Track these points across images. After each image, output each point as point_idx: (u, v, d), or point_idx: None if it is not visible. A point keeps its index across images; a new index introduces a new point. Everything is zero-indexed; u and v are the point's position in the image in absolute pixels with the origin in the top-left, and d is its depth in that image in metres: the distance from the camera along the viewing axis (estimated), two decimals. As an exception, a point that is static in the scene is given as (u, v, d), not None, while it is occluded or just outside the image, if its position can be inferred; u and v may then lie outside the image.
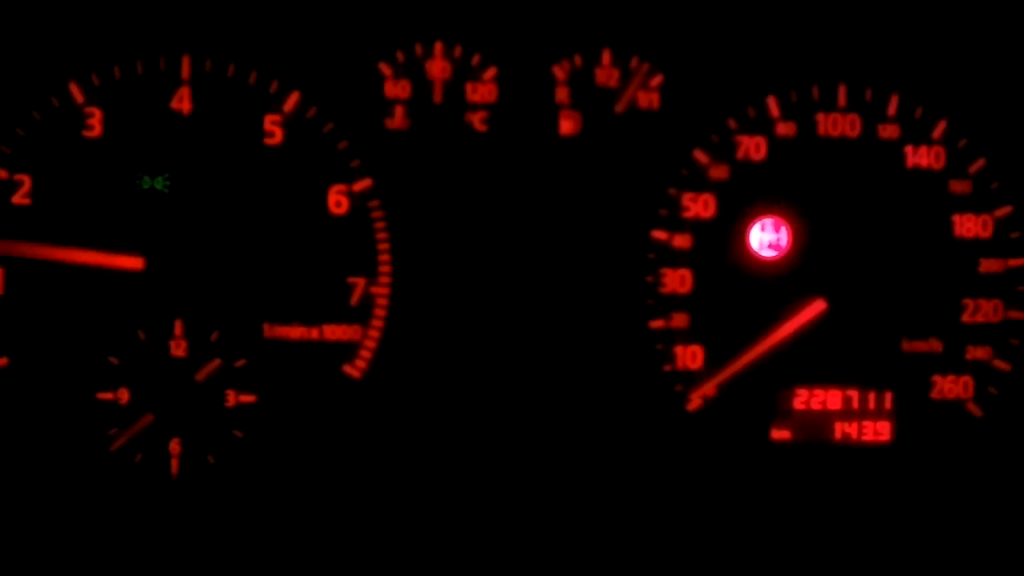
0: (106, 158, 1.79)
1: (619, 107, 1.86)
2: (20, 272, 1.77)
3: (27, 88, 1.78)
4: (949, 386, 1.87)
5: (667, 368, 1.85)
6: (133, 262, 1.77)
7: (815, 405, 1.85)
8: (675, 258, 1.86)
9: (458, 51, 1.84)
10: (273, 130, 1.81)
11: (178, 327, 1.79)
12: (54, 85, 1.78)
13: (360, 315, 1.82)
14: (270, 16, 1.81)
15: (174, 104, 1.80)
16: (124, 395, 1.78)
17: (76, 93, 1.78)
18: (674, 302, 1.85)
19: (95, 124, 1.79)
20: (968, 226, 1.87)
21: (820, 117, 1.87)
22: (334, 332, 1.81)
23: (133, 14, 1.79)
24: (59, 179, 1.78)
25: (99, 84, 1.78)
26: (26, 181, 1.78)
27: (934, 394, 1.86)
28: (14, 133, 1.77)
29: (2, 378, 1.76)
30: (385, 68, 1.83)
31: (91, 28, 1.79)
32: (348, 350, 1.82)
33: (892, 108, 1.88)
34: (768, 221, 1.87)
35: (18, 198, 1.78)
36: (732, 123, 1.87)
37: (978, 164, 1.88)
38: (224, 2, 1.81)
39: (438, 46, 1.84)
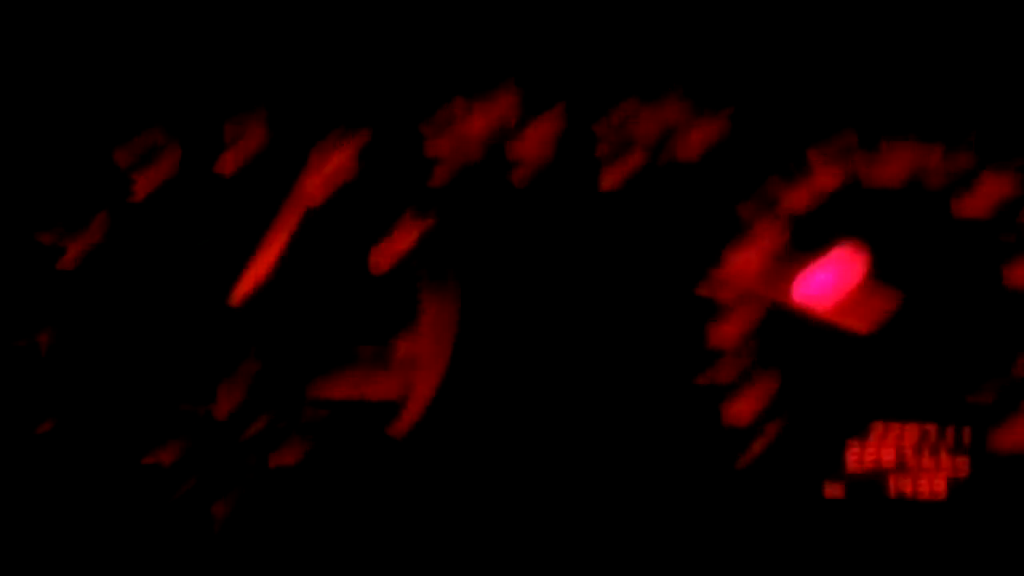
0: (148, 221, 1.80)
1: (660, 159, 1.84)
2: (64, 334, 1.78)
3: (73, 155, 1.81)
4: (1010, 438, 1.81)
5: (718, 423, 1.82)
6: None
7: (868, 461, 1.81)
8: (722, 311, 1.83)
9: (499, 105, 1.84)
10: (315, 192, 1.81)
11: (222, 390, 1.79)
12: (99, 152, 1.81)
13: (403, 374, 1.81)
14: (306, 78, 1.83)
15: (217, 169, 1.81)
16: (167, 458, 1.78)
17: (121, 158, 1.80)
18: (721, 356, 1.82)
19: (140, 188, 1.80)
20: (1020, 275, 1.83)
21: (863, 163, 1.84)
22: (377, 391, 1.80)
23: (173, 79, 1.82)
24: (105, 242, 1.80)
25: (142, 148, 1.80)
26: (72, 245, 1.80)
27: (993, 446, 1.81)
28: (59, 198, 1.80)
29: (46, 441, 1.77)
30: (425, 126, 1.83)
31: (137, 94, 1.82)
32: (392, 409, 1.80)
33: (938, 153, 1.84)
34: (819, 268, 1.83)
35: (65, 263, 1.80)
36: (777, 175, 1.84)
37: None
38: (263, 63, 1.83)
39: (478, 101, 1.84)
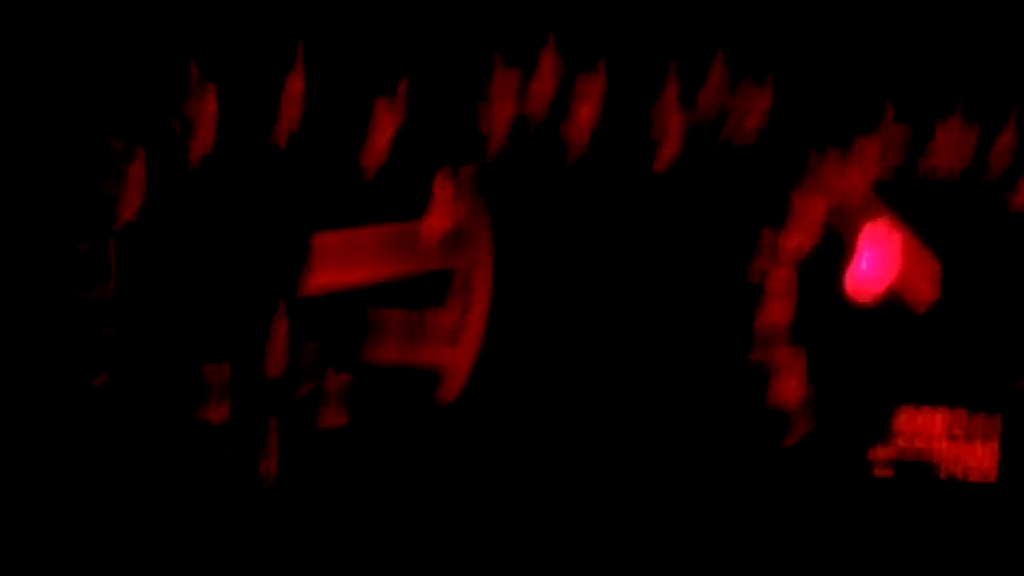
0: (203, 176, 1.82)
1: (718, 139, 1.85)
2: (124, 289, 1.80)
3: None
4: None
5: (766, 403, 1.81)
6: None
7: (919, 439, 1.80)
8: (775, 291, 1.83)
9: (547, 84, 1.84)
10: (369, 161, 1.82)
11: (276, 345, 1.80)
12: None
13: (454, 339, 1.81)
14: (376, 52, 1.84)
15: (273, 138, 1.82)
16: (215, 416, 1.79)
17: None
18: (769, 336, 1.82)
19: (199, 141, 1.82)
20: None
21: (922, 152, 1.84)
22: (429, 355, 1.81)
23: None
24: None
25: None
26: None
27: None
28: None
29: (101, 394, 1.78)
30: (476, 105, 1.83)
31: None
32: (442, 374, 1.81)
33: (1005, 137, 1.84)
34: (872, 251, 1.84)
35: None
36: (834, 154, 1.85)
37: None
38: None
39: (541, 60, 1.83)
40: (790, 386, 1.82)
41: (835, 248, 1.84)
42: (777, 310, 1.83)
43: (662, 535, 1.80)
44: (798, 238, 1.84)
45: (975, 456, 1.81)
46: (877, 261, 1.83)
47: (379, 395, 1.80)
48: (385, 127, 1.81)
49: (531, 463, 1.82)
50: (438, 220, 1.81)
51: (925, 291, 1.82)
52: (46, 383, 1.76)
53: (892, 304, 1.83)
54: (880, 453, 1.81)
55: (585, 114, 1.84)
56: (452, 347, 1.82)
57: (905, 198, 1.84)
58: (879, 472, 1.81)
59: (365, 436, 1.80)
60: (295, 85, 1.80)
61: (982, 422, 1.81)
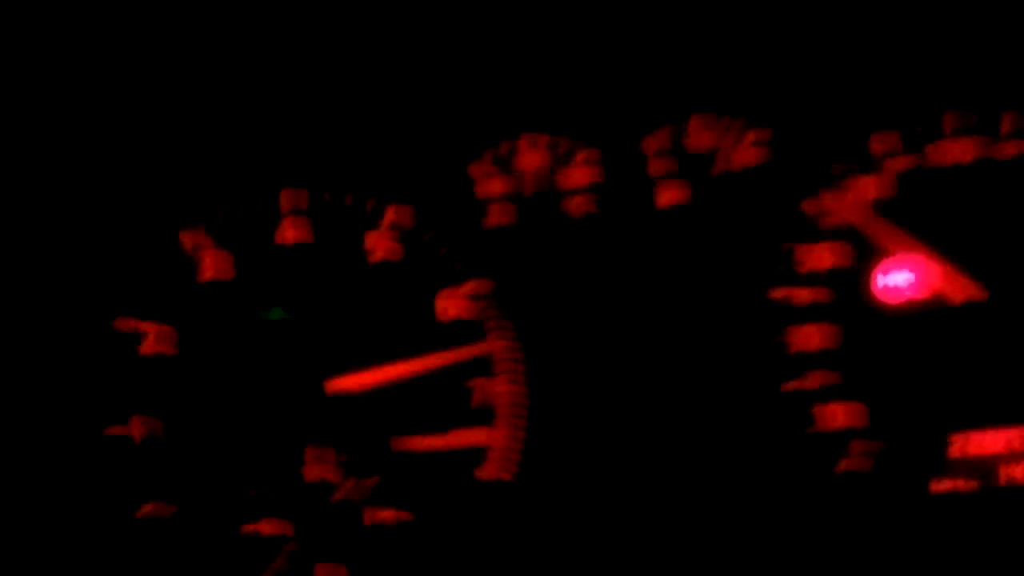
0: (222, 298, 1.85)
1: (715, 170, 1.81)
2: (174, 423, 1.84)
3: (140, 242, 1.87)
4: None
5: (809, 430, 1.75)
6: None
7: (975, 451, 1.70)
8: (799, 314, 1.77)
9: (544, 141, 1.84)
10: (375, 247, 1.84)
11: (309, 452, 1.81)
12: (164, 235, 1.87)
13: (483, 417, 1.80)
14: (354, 137, 1.86)
15: (278, 238, 1.85)
16: (266, 526, 1.81)
17: (186, 240, 1.86)
18: (806, 361, 1.76)
19: (208, 268, 1.86)
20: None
21: (930, 148, 1.76)
22: (460, 438, 1.80)
23: (227, 161, 1.87)
24: (181, 324, 1.86)
25: (207, 229, 1.86)
26: (154, 331, 1.86)
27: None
28: (135, 286, 1.86)
29: (170, 524, 1.82)
30: (475, 169, 1.84)
31: (194, 178, 1.88)
32: (477, 454, 1.80)
33: (1007, 126, 1.76)
34: (892, 263, 1.76)
35: (168, 347, 1.86)
36: (837, 168, 1.78)
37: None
38: (309, 131, 1.87)
39: (524, 140, 1.84)
40: (836, 410, 1.75)
41: (855, 264, 1.77)
42: (805, 335, 1.76)
43: (721, 551, 1.75)
44: (814, 259, 1.77)
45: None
46: (911, 267, 1.76)
47: (425, 481, 1.80)
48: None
49: (587, 520, 1.79)
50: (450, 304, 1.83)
51: (960, 291, 1.74)
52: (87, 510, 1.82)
53: (930, 316, 1.75)
54: (938, 468, 1.72)
55: (582, 165, 1.83)
56: (490, 426, 1.81)
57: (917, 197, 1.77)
58: (937, 487, 1.72)
59: (416, 524, 1.80)
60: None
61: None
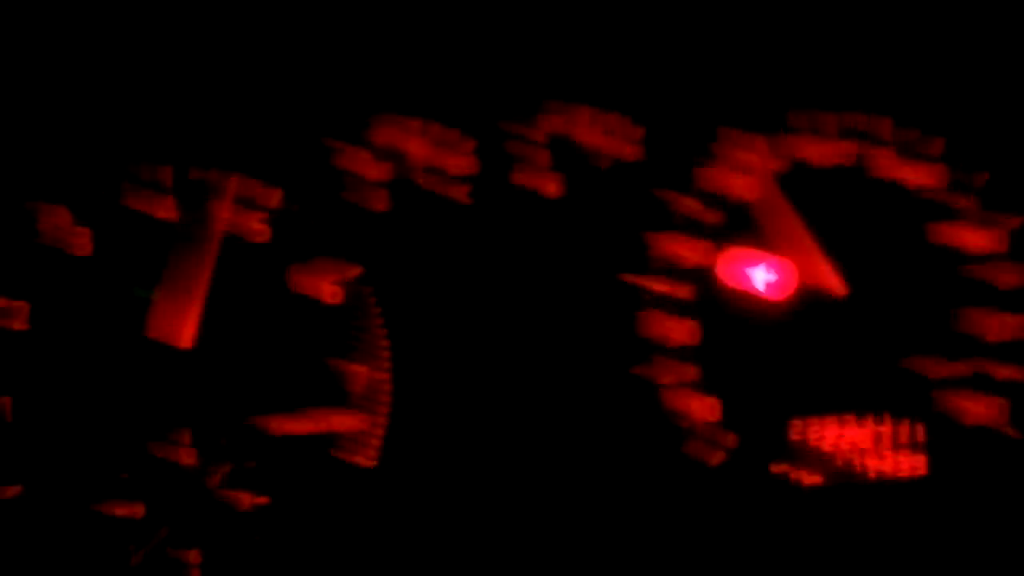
0: (97, 275, 1.80)
1: (601, 163, 1.83)
2: (25, 398, 1.79)
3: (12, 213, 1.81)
4: (982, 411, 1.78)
5: (670, 421, 1.79)
6: None
7: (827, 445, 1.78)
8: (661, 306, 1.81)
9: (419, 125, 1.83)
10: (258, 228, 1.81)
11: (186, 435, 1.78)
12: (20, 212, 1.81)
13: (364, 403, 1.80)
14: (226, 113, 1.82)
15: (159, 215, 1.81)
16: (138, 510, 1.77)
17: (62, 215, 1.80)
18: (663, 352, 1.80)
19: (84, 243, 1.80)
20: (979, 241, 1.80)
21: (808, 149, 1.82)
22: (341, 423, 1.79)
23: (86, 132, 1.81)
24: (54, 300, 1.80)
25: (84, 204, 1.80)
26: (24, 306, 1.80)
27: (967, 420, 1.78)
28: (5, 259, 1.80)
29: (17, 504, 1.77)
30: (350, 150, 1.82)
31: (49, 153, 1.81)
32: (357, 440, 1.79)
33: (885, 131, 1.82)
34: (761, 259, 1.81)
35: (19, 323, 1.80)
36: (716, 166, 1.82)
37: (981, 177, 1.81)
38: (198, 111, 1.82)
39: (413, 124, 1.83)
40: (690, 400, 1.79)
41: (727, 260, 1.82)
42: (666, 322, 1.80)
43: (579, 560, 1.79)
44: (688, 253, 1.81)
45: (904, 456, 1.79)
46: (777, 265, 1.82)
47: (302, 466, 1.79)
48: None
49: (460, 504, 1.81)
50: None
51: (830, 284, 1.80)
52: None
53: (798, 312, 1.81)
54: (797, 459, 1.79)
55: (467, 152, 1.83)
56: (364, 411, 1.80)
57: (791, 197, 1.82)
58: (803, 479, 1.79)
59: (288, 512, 1.79)
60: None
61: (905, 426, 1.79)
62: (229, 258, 1.80)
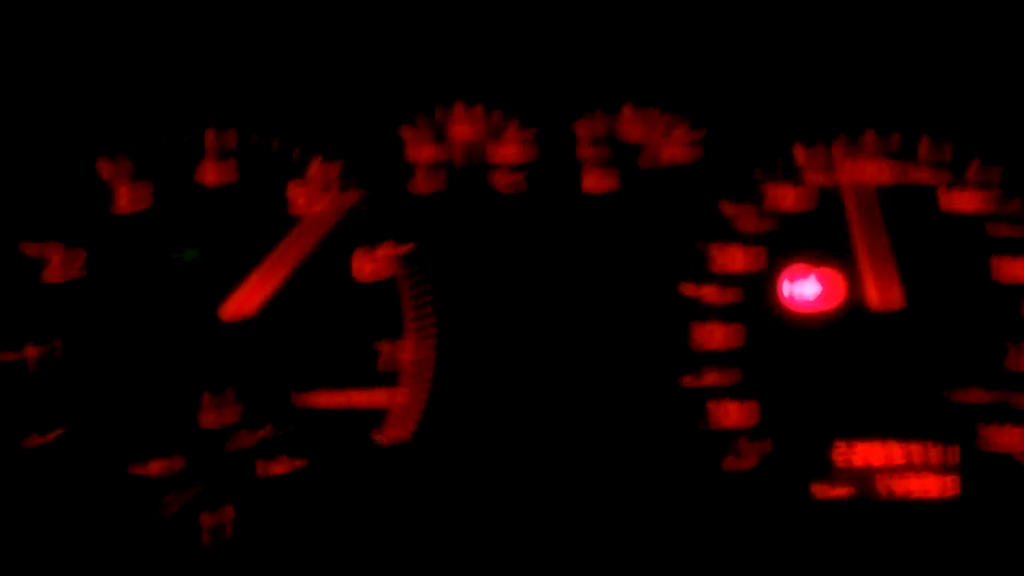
0: (135, 233, 1.81)
1: (643, 161, 1.83)
2: (76, 343, 1.80)
3: (57, 167, 1.82)
4: (1000, 437, 1.78)
5: (703, 426, 1.80)
6: None
7: (859, 461, 1.78)
8: (707, 313, 1.82)
9: (479, 112, 1.84)
10: (297, 198, 1.82)
11: (206, 397, 1.79)
12: (83, 163, 1.82)
13: (387, 380, 1.81)
14: (290, 85, 1.84)
15: (198, 177, 1.82)
16: (178, 463, 1.79)
17: (104, 170, 1.82)
18: (706, 358, 1.81)
19: (124, 200, 1.82)
20: (1009, 270, 1.80)
21: (848, 165, 1.82)
22: (362, 398, 1.80)
23: (156, 91, 1.83)
24: (91, 254, 1.82)
25: (126, 160, 1.82)
26: (56, 256, 1.81)
27: (984, 446, 1.78)
28: (46, 210, 1.81)
29: (58, 447, 1.79)
30: (408, 132, 1.84)
31: (118, 107, 1.83)
32: (377, 416, 1.81)
33: (923, 152, 1.83)
34: (801, 271, 1.82)
35: (56, 272, 1.81)
36: (760, 173, 1.83)
37: (1015, 205, 1.82)
38: (244, 74, 1.84)
39: (459, 108, 1.84)
40: (729, 408, 1.80)
41: (767, 269, 1.82)
42: (709, 333, 1.81)
43: (614, 565, 1.79)
44: (727, 260, 1.82)
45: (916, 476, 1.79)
46: (820, 278, 1.82)
47: (322, 439, 1.80)
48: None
49: (485, 492, 1.82)
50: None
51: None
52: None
53: (833, 327, 1.81)
54: (822, 474, 1.79)
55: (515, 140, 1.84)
56: (394, 387, 1.81)
57: (830, 211, 1.82)
58: (821, 493, 1.79)
59: (309, 482, 1.80)
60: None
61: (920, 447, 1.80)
62: (269, 228, 1.82)
